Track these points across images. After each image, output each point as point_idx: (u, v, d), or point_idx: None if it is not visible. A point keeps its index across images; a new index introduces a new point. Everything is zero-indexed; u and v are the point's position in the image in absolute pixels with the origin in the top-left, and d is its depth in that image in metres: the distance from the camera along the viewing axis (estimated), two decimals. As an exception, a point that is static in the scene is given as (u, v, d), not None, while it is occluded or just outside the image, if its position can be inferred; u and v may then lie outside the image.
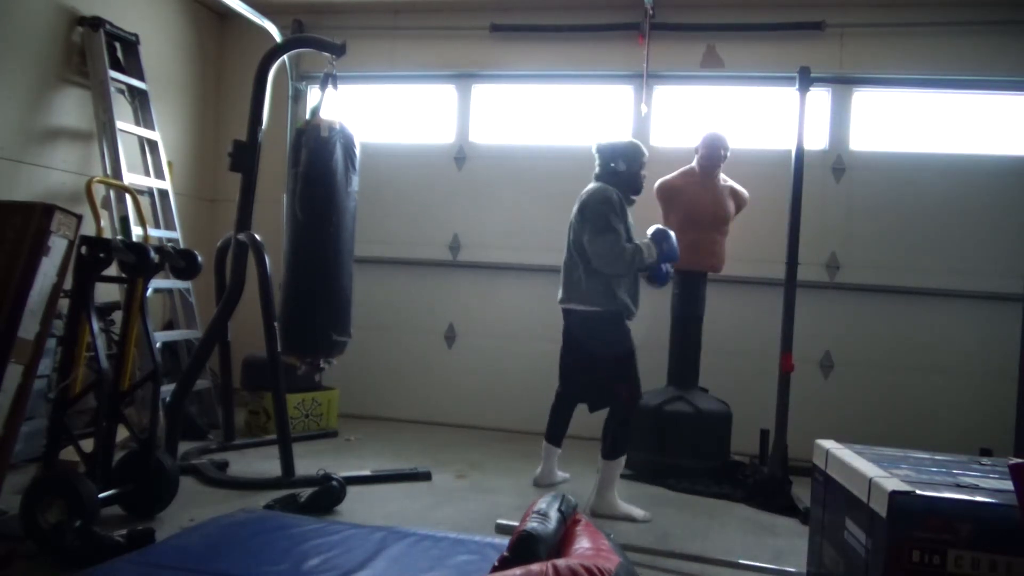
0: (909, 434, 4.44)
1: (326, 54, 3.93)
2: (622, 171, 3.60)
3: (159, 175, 4.75)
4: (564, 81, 5.32)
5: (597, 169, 3.67)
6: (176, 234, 4.73)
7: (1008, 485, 1.85)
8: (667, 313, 4.53)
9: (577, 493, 2.97)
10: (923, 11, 4.72)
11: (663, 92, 5.19)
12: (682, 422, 4.13)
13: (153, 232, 4.43)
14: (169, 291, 4.77)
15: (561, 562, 1.77)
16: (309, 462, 3.85)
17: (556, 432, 3.83)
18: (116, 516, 2.97)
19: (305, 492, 3.24)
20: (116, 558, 2.34)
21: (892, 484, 1.95)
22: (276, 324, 3.79)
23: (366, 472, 3.78)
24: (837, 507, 2.33)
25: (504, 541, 2.11)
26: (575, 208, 3.61)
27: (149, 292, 3.26)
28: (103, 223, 3.47)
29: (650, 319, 4.99)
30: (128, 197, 4.13)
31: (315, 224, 3.86)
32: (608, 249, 3.39)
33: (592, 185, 3.63)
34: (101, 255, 2.98)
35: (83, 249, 2.95)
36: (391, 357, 5.42)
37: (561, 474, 3.90)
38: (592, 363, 3.55)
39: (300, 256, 3.90)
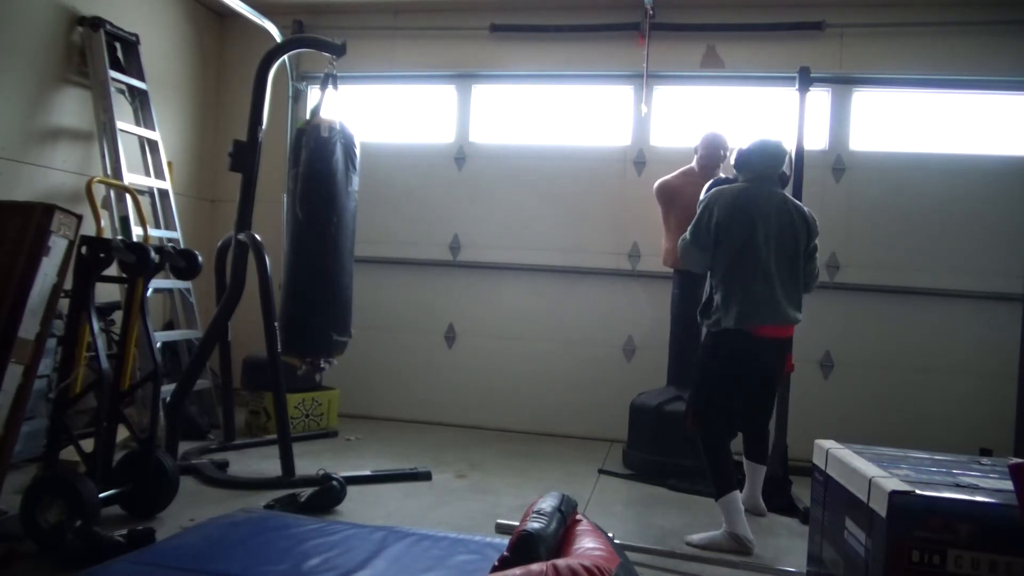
0: (909, 434, 4.44)
1: (326, 54, 3.93)
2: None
3: (159, 175, 4.75)
4: (564, 81, 5.32)
5: (777, 175, 3.30)
6: (176, 234, 4.73)
7: (1008, 485, 1.85)
8: (667, 313, 4.53)
9: (579, 494, 2.97)
10: (923, 11, 4.73)
11: (663, 92, 5.19)
12: (682, 422, 4.12)
13: (153, 232, 4.43)
14: (169, 291, 4.77)
15: (561, 562, 1.77)
16: (309, 462, 3.86)
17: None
18: (116, 516, 2.97)
19: (305, 492, 3.24)
20: (116, 558, 2.33)
21: (892, 484, 1.95)
22: (276, 324, 3.79)
23: (366, 472, 3.78)
24: (837, 507, 2.33)
25: (504, 541, 2.11)
26: (798, 220, 3.18)
27: (149, 292, 3.26)
28: (103, 223, 3.46)
29: (650, 319, 5.01)
30: (128, 197, 4.12)
31: (315, 224, 3.86)
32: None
33: (792, 198, 3.30)
34: (101, 255, 2.99)
35: (83, 249, 2.95)
36: (391, 357, 5.42)
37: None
38: (774, 381, 3.40)
39: (300, 256, 3.90)
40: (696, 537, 3.11)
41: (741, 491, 3.55)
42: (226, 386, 4.35)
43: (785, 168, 3.30)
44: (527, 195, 5.26)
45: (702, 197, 3.31)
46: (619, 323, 5.12)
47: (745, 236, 3.08)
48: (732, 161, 3.36)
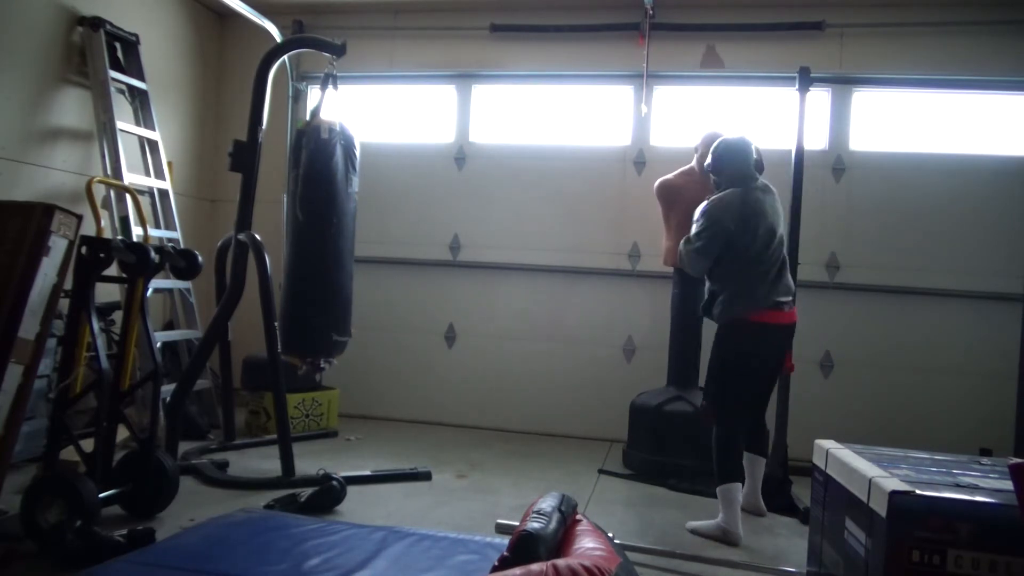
0: (909, 434, 4.44)
1: (326, 54, 3.93)
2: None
3: (159, 175, 4.75)
4: (564, 81, 5.32)
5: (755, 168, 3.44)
6: (176, 234, 4.73)
7: (1008, 485, 1.85)
8: (667, 313, 4.53)
9: (579, 494, 2.97)
10: (923, 11, 4.73)
11: (663, 92, 5.19)
12: (682, 422, 4.13)
13: (153, 232, 4.43)
14: (169, 291, 4.77)
15: (561, 562, 1.77)
16: (309, 462, 3.85)
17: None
18: (116, 516, 2.97)
19: (305, 492, 3.24)
20: (116, 558, 2.34)
21: (892, 484, 1.95)
22: (276, 324, 3.79)
23: (366, 472, 3.78)
24: (837, 507, 2.33)
25: (504, 541, 2.11)
26: (777, 207, 3.37)
27: (149, 292, 3.26)
28: (103, 223, 3.46)
29: (650, 319, 5.01)
30: (128, 197, 4.12)
31: (315, 225, 3.86)
32: None
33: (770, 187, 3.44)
34: (101, 255, 2.99)
35: (83, 249, 2.95)
36: (391, 357, 5.42)
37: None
38: (777, 372, 3.50)
39: (300, 257, 3.90)
40: (695, 523, 3.24)
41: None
42: (226, 386, 4.35)
43: (754, 155, 3.44)
44: (527, 195, 5.26)
45: (704, 206, 3.37)
46: (619, 323, 5.12)
47: (748, 239, 3.27)
48: (708, 165, 3.49)
